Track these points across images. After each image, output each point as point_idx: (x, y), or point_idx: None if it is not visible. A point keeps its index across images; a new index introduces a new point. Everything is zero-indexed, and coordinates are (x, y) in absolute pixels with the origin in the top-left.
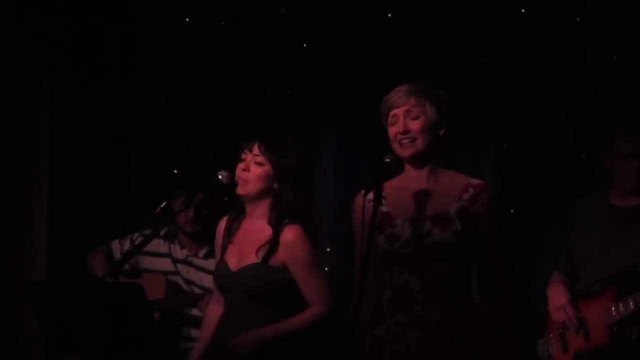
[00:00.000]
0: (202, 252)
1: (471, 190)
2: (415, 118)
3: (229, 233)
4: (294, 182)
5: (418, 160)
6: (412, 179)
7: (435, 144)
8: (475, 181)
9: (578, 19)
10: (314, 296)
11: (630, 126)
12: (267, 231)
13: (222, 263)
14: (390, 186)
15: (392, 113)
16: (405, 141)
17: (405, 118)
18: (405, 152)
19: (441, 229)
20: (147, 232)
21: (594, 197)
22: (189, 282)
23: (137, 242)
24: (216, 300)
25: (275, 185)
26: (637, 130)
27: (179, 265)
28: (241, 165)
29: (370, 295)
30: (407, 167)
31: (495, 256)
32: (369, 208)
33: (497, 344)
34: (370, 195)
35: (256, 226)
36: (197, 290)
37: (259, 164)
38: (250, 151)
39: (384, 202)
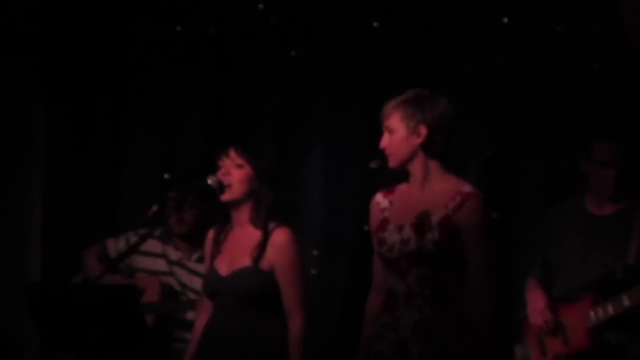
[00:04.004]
0: (195, 256)
1: (458, 199)
2: (390, 132)
3: (217, 242)
4: (272, 182)
5: (405, 169)
6: (413, 183)
7: (417, 151)
8: (465, 189)
9: (559, 28)
10: (293, 305)
11: (607, 134)
12: (256, 234)
13: (211, 270)
14: (399, 190)
15: None
16: (388, 155)
17: (384, 133)
18: (390, 164)
19: (419, 236)
20: (142, 231)
21: (570, 204)
22: (182, 284)
23: (131, 241)
24: (205, 309)
25: (257, 186)
26: (615, 139)
27: (173, 267)
28: (222, 171)
29: (375, 294)
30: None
31: (477, 267)
32: (376, 210)
33: (475, 352)
34: (379, 197)
35: (244, 232)
36: (190, 293)
37: (239, 166)
38: (228, 156)
39: (389, 206)
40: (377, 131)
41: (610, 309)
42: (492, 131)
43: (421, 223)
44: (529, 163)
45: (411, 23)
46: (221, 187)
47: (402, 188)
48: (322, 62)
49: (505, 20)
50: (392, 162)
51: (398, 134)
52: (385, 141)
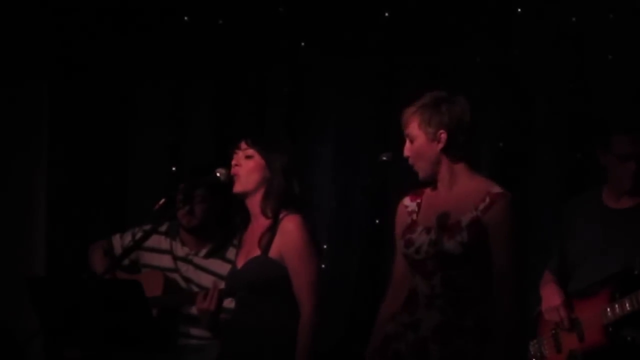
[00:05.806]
0: (203, 251)
1: (487, 200)
2: (411, 140)
3: (240, 240)
4: (284, 171)
5: (432, 177)
6: (440, 186)
7: (440, 157)
8: (494, 190)
9: (574, 19)
10: (302, 293)
11: (627, 127)
12: (268, 224)
13: (231, 267)
14: (427, 193)
15: None
16: (412, 166)
17: (406, 141)
18: (419, 176)
19: (447, 238)
20: (148, 227)
21: (587, 197)
22: (187, 280)
23: (137, 237)
24: None
25: (267, 176)
26: (635, 132)
27: (179, 263)
28: (233, 163)
29: (393, 294)
30: None
31: (504, 268)
32: (403, 214)
33: (494, 356)
34: (407, 201)
35: (258, 223)
36: (196, 289)
37: (249, 157)
38: (239, 149)
39: (417, 209)
40: (388, 122)
41: (627, 306)
42: (506, 123)
43: (450, 225)
44: (543, 156)
45: (423, 11)
46: (230, 180)
47: (429, 191)
48: (332, 53)
49: (519, 10)
50: (421, 174)
51: (418, 141)
52: (407, 150)
